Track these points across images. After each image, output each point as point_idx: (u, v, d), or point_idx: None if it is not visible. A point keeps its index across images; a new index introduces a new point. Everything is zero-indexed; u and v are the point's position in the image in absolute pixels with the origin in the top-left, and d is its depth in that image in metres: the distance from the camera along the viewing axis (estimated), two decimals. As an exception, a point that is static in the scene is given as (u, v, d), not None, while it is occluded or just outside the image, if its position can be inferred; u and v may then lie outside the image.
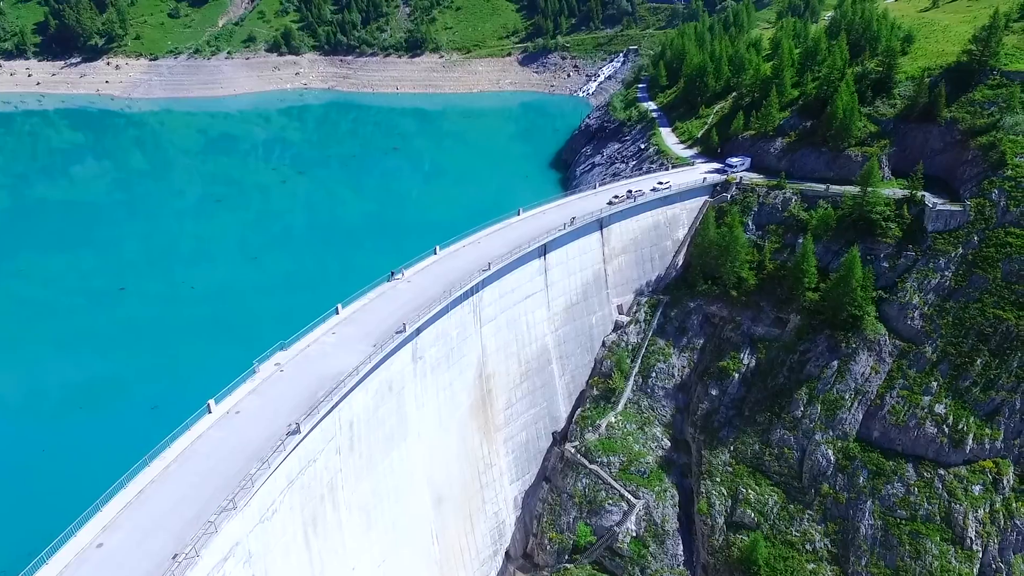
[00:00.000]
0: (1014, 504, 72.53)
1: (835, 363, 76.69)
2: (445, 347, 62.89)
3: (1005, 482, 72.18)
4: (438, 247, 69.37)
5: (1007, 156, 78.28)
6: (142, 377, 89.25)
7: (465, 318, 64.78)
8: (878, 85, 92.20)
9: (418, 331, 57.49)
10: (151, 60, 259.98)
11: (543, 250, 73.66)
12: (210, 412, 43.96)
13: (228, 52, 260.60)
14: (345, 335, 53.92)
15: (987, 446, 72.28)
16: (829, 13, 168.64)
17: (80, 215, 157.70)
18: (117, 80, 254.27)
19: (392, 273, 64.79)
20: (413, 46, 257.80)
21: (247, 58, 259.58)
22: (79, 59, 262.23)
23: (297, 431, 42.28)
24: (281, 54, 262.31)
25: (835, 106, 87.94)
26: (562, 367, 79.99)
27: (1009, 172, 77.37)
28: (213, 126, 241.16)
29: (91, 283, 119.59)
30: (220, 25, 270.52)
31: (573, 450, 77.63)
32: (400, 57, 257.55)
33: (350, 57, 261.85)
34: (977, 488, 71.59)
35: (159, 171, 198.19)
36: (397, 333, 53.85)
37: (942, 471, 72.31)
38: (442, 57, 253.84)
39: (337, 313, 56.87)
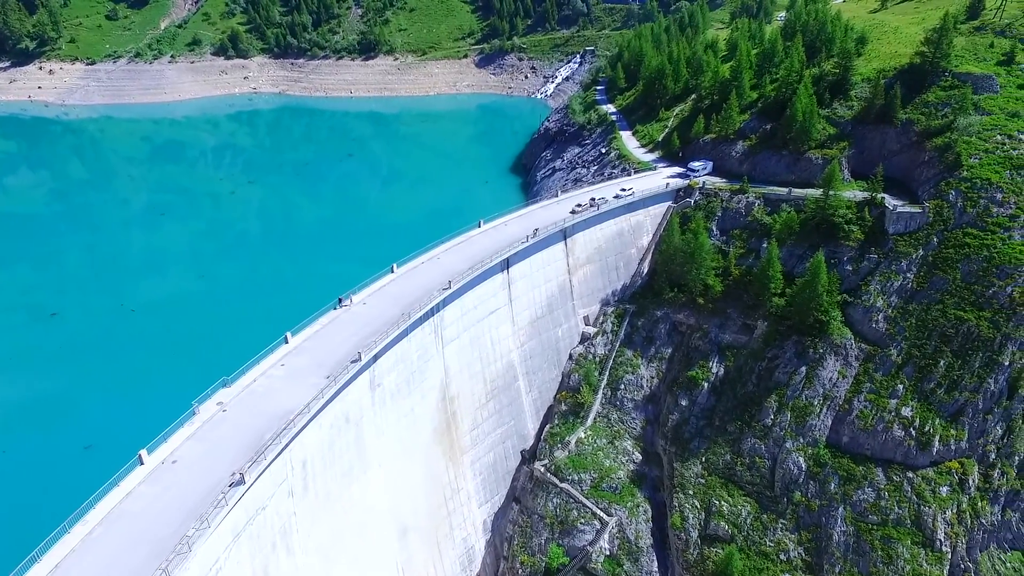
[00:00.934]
0: (979, 503, 73.29)
1: (803, 369, 76.05)
2: (406, 371, 59.43)
3: (971, 482, 72.74)
4: (395, 265, 65.67)
5: (962, 157, 79.02)
6: (75, 412, 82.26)
7: (426, 340, 61.40)
8: (835, 87, 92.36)
9: (376, 357, 53.91)
10: (88, 64, 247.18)
11: (506, 264, 70.75)
12: (142, 463, 39.60)
13: (171, 56, 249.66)
14: (295, 367, 49.92)
15: (952, 447, 72.70)
16: (781, 14, 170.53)
17: (15, 227, 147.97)
18: (51, 86, 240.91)
19: (340, 300, 60.21)
20: (366, 48, 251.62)
21: (192, 62, 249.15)
22: (8, 63, 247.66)
23: (241, 482, 38.37)
24: (228, 57, 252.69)
25: (794, 109, 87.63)
26: (529, 383, 77.29)
27: (965, 173, 78.09)
28: (158, 133, 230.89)
29: (26, 301, 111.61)
30: (162, 28, 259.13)
31: (543, 469, 75.03)
32: (353, 60, 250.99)
33: (301, 60, 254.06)
34: (944, 489, 71.91)
35: (101, 180, 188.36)
36: (352, 362, 50.12)
37: (911, 474, 72.42)
38: (397, 59, 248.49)
39: (286, 342, 52.73)
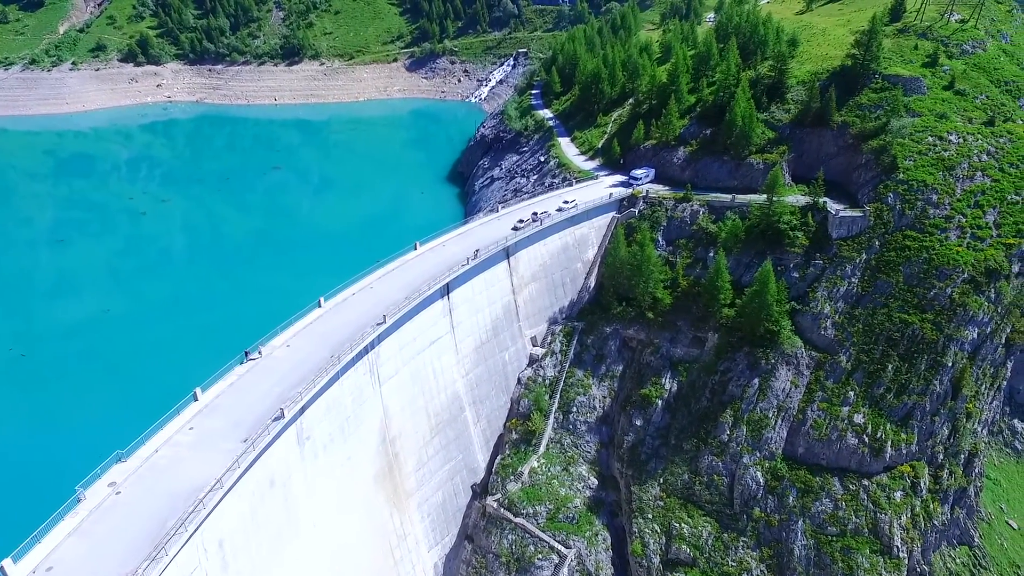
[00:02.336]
0: (931, 505, 73.67)
1: (756, 381, 74.35)
2: (339, 418, 53.46)
3: (922, 484, 72.93)
4: (323, 299, 59.22)
5: (898, 160, 79.30)
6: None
7: (360, 380, 55.57)
8: (771, 90, 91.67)
9: (303, 409, 47.78)
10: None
11: (446, 289, 65.56)
12: (8, 577, 32.43)
13: (73, 63, 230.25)
14: (206, 430, 43.19)
15: (904, 451, 72.67)
16: (710, 15, 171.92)
17: None
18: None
19: (246, 353, 51.59)
20: (290, 53, 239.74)
21: (97, 69, 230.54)
22: None
23: (136, 589, 31.89)
24: (138, 64, 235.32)
25: (733, 113, 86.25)
26: (476, 413, 72.37)
27: (901, 176, 78.37)
28: (62, 146, 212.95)
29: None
30: (61, 32, 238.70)
31: (496, 504, 70.35)
32: (276, 65, 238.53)
33: (220, 66, 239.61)
34: (898, 494, 71.74)
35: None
36: (275, 420, 43.88)
37: (866, 481, 71.89)
38: (323, 64, 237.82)
39: (196, 399, 45.82)
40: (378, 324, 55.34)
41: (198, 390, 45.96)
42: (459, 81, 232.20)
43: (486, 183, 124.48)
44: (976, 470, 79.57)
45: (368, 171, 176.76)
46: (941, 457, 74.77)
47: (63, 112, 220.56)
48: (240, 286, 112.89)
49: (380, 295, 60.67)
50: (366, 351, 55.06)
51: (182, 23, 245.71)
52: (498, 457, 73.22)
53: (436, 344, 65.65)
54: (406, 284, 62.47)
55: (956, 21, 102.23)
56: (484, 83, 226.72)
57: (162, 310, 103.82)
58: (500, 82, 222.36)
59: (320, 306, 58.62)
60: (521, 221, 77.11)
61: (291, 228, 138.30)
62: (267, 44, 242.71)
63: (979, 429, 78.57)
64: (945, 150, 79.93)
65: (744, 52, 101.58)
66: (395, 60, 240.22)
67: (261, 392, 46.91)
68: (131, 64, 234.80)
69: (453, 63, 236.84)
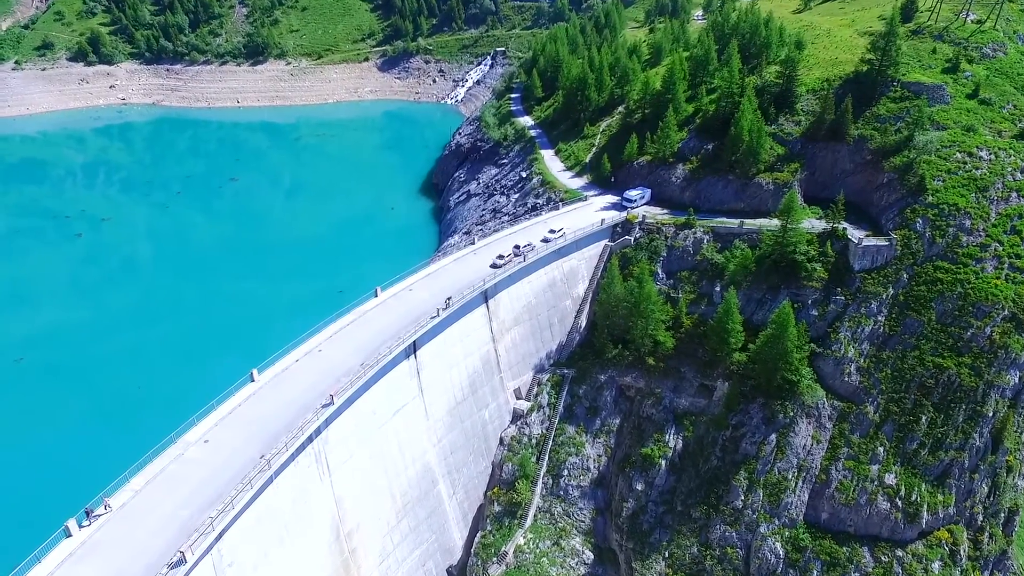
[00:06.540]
0: (972, 575, 64.87)
1: (773, 437, 64.93)
2: (275, 527, 42.58)
3: (962, 552, 64.29)
4: (256, 371, 47.84)
5: (926, 180, 70.23)
6: None
7: (304, 476, 44.70)
8: (779, 99, 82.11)
9: (220, 535, 36.76)
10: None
11: (412, 348, 54.77)
12: None
13: (16, 62, 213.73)
14: (78, 585, 31.94)
15: (940, 514, 63.93)
16: (698, 12, 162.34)
17: None
18: None
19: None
20: (254, 52, 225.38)
21: (43, 69, 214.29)
22: None
23: None
24: (89, 64, 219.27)
25: (739, 127, 76.56)
26: (452, 484, 61.75)
27: (930, 199, 69.33)
28: (9, 151, 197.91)
29: None
30: (4, 29, 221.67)
31: (475, 593, 59.98)
32: (239, 65, 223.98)
33: (178, 66, 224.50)
34: (936, 565, 63.04)
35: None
36: (173, 568, 32.72)
37: (900, 551, 63.05)
38: (289, 64, 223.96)
39: (68, 535, 34.22)
40: (325, 406, 44.38)
41: (71, 522, 34.39)
42: (434, 81, 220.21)
43: (462, 199, 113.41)
44: (1015, 528, 71.08)
45: (337, 182, 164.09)
46: (981, 519, 66.11)
47: (6, 115, 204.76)
48: (183, 322, 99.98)
49: (330, 361, 49.61)
50: (310, 440, 44.19)
51: (137, 20, 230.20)
52: (478, 534, 62.74)
53: (402, 412, 54.85)
54: (363, 344, 51.52)
55: (972, 21, 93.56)
56: (460, 84, 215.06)
57: (87, 356, 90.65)
58: (477, 83, 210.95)
59: (253, 379, 47.29)
60: (501, 257, 66.29)
61: (247, 255, 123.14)
62: (229, 43, 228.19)
63: (1020, 483, 69.99)
64: (976, 168, 71.04)
65: (744, 55, 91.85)
66: (366, 59, 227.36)
67: (163, 517, 35.71)
68: (81, 63, 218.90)
69: (428, 62, 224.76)
